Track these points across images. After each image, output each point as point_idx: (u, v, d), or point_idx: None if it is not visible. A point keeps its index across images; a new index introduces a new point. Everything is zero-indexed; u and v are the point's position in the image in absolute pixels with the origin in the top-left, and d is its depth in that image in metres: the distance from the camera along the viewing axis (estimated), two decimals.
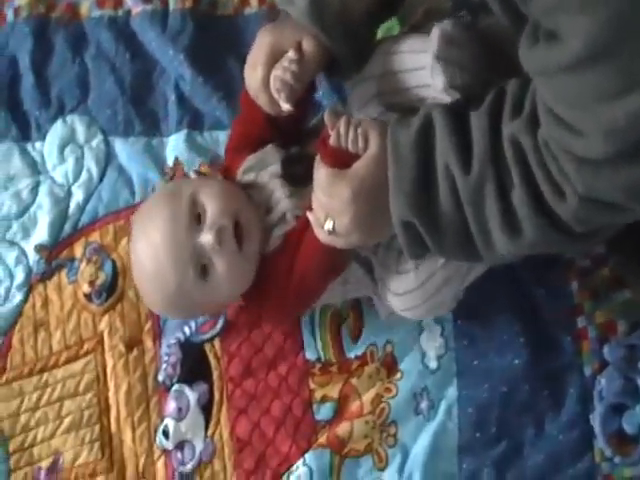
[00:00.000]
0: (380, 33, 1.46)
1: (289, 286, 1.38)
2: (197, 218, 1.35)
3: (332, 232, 1.24)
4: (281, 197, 1.38)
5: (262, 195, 1.40)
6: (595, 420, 1.39)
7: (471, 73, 1.28)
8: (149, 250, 1.38)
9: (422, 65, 1.30)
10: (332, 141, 1.22)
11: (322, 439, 1.49)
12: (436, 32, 1.28)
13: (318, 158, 1.25)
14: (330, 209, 1.23)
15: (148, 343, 1.61)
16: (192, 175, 1.54)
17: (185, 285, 1.36)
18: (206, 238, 1.34)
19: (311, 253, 1.35)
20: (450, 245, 1.17)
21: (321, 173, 1.23)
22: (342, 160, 1.21)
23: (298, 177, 1.38)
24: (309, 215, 1.28)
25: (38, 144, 1.76)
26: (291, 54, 1.29)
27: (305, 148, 1.41)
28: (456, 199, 1.12)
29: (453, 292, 1.39)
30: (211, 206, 1.35)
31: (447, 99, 1.25)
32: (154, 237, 1.36)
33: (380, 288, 1.39)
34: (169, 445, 1.56)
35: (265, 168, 1.41)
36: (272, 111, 1.33)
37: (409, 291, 1.36)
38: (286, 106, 1.29)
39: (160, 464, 1.56)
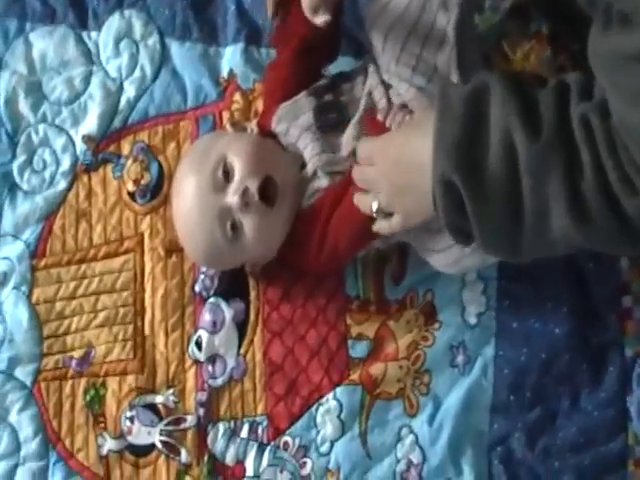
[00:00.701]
0: None
1: (321, 249, 1.09)
2: (226, 177, 1.08)
3: (378, 212, 0.97)
4: (312, 153, 1.08)
5: (295, 149, 1.11)
6: (632, 403, 1.09)
7: None
8: (182, 209, 1.13)
9: None
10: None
11: (355, 376, 1.16)
12: None
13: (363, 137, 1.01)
14: (372, 182, 0.97)
15: None
16: (228, 127, 1.17)
17: (216, 244, 1.10)
18: (232, 199, 1.07)
19: (347, 219, 1.06)
20: (493, 221, 0.81)
21: (363, 143, 1.00)
22: None
23: (331, 125, 1.09)
24: (355, 199, 1.01)
25: (94, 34, 1.33)
26: None
27: (337, 95, 1.10)
28: (513, 167, 0.78)
29: None
30: (239, 166, 1.08)
31: None
32: (185, 197, 1.11)
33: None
34: (201, 357, 1.21)
35: (297, 118, 1.10)
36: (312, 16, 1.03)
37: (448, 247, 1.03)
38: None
39: (190, 374, 1.21)
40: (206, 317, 1.20)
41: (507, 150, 0.79)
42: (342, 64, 1.18)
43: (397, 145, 0.94)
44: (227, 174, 1.08)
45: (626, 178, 0.75)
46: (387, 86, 1.08)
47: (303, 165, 1.10)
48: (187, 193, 1.11)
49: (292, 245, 1.11)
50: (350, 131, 1.08)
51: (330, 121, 1.09)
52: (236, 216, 1.08)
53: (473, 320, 1.14)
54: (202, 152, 1.13)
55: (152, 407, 1.20)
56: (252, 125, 1.17)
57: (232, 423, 1.18)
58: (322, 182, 1.09)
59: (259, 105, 1.23)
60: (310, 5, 1.04)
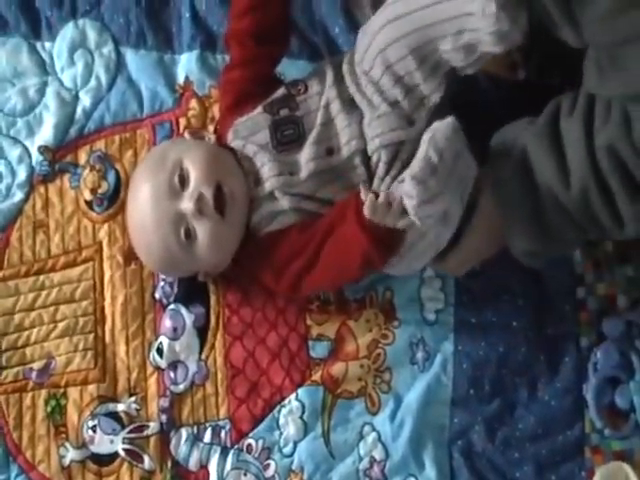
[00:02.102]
0: None
1: (302, 277, 1.12)
2: (182, 183, 1.11)
3: None
4: (270, 174, 1.11)
5: (251, 165, 1.13)
6: (588, 391, 1.14)
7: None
8: (137, 214, 1.15)
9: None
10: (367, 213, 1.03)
11: (316, 376, 1.20)
12: None
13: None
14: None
15: None
16: (186, 135, 1.21)
17: (170, 250, 1.12)
18: (186, 205, 1.10)
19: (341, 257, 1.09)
20: (573, 246, 1.09)
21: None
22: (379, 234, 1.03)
23: (288, 142, 1.11)
24: None
25: (48, 44, 1.36)
26: None
27: (293, 110, 1.12)
28: (569, 216, 0.97)
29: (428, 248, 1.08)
30: (194, 172, 1.10)
31: (494, 41, 0.95)
32: (141, 202, 1.14)
33: None
34: (162, 363, 1.24)
35: (253, 135, 1.13)
36: None
37: None
38: None
39: (152, 381, 1.24)
40: (167, 323, 1.23)
41: (556, 203, 0.96)
42: (297, 68, 1.22)
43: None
44: (183, 181, 1.11)
45: None
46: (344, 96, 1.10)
47: (258, 181, 1.12)
48: (143, 199, 1.13)
49: (263, 267, 1.14)
50: (308, 150, 1.10)
51: (286, 138, 1.11)
52: (190, 222, 1.10)
53: (432, 317, 1.18)
54: (159, 158, 1.15)
55: (114, 415, 1.23)
56: (210, 135, 1.20)
57: (195, 428, 1.21)
58: (283, 203, 1.11)
59: (215, 111, 1.27)
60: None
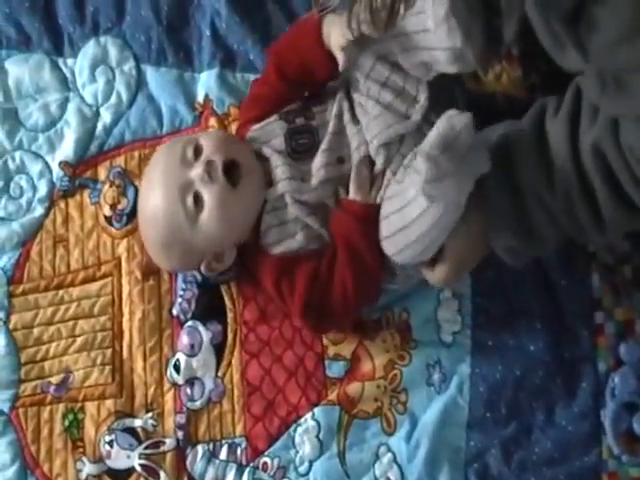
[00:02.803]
0: None
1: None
2: (196, 155, 1.13)
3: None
4: (282, 177, 1.13)
5: (266, 165, 1.15)
6: (606, 416, 1.13)
7: (475, 24, 0.98)
8: (148, 185, 1.18)
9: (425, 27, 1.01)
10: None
11: (332, 396, 1.20)
12: None
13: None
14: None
15: (165, 274, 1.27)
16: None
17: (176, 220, 1.13)
18: (196, 171, 1.11)
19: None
20: (552, 246, 1.04)
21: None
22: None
23: (303, 150, 1.14)
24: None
25: (70, 60, 1.37)
26: None
27: (309, 119, 1.15)
28: (550, 215, 0.98)
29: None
30: (206, 143, 1.13)
31: (449, 59, 1.00)
32: (153, 174, 1.17)
33: None
34: (179, 380, 1.24)
35: (269, 141, 1.16)
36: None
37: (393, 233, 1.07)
38: None
39: (169, 397, 1.25)
40: (184, 340, 1.24)
41: (540, 202, 0.96)
42: None
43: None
44: (197, 152, 1.13)
45: None
46: (353, 107, 1.13)
47: (271, 182, 1.14)
48: (156, 168, 1.17)
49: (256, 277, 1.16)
50: (320, 158, 1.12)
51: (302, 146, 1.14)
52: (199, 189, 1.11)
53: (448, 339, 1.18)
54: (175, 140, 1.21)
55: (131, 431, 1.24)
56: None
57: (211, 445, 1.21)
58: (291, 211, 1.12)
59: (234, 129, 1.28)
60: (339, 45, 1.09)
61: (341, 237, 1.11)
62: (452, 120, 0.96)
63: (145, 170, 1.23)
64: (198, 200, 1.12)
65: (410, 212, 1.02)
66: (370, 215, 1.08)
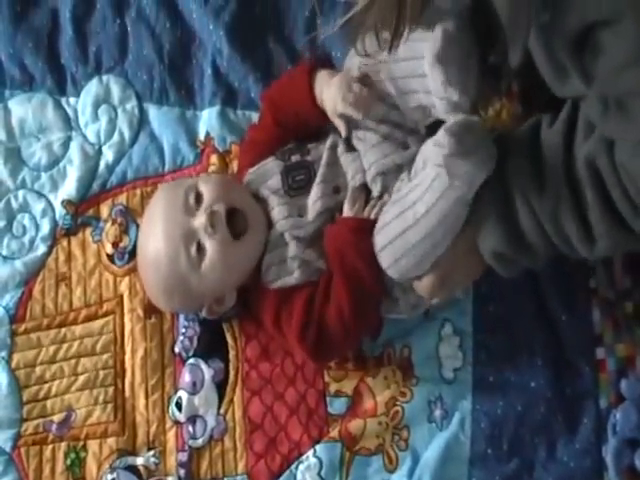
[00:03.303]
0: None
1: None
2: (197, 202, 1.15)
3: None
4: (279, 217, 1.15)
5: (265, 207, 1.17)
6: (607, 453, 1.12)
7: (470, 74, 1.02)
8: (149, 230, 1.19)
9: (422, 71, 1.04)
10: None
11: (334, 432, 1.20)
12: (438, 31, 1.00)
13: None
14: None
15: (167, 312, 1.28)
16: None
17: (178, 266, 1.14)
18: (199, 220, 1.13)
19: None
20: (541, 256, 1.03)
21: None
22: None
23: (299, 187, 1.16)
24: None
25: (72, 100, 1.39)
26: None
27: (304, 155, 1.18)
28: (537, 221, 0.98)
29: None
30: (208, 192, 1.15)
31: (445, 108, 1.02)
32: (155, 217, 1.18)
33: None
34: (181, 417, 1.25)
35: (265, 182, 1.18)
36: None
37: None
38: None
39: (171, 434, 1.25)
40: (186, 378, 1.24)
41: (530, 210, 0.97)
42: None
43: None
44: (198, 199, 1.15)
45: (633, 205, 0.90)
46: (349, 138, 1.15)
47: (270, 223, 1.16)
48: (157, 214, 1.17)
49: (268, 321, 1.17)
50: (315, 191, 1.14)
51: (298, 183, 1.16)
52: (202, 239, 1.13)
53: (450, 375, 1.19)
54: (175, 184, 1.22)
55: (133, 469, 1.24)
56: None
57: None
58: (291, 249, 1.14)
59: (236, 167, 1.29)
60: (335, 112, 1.12)
61: (335, 252, 1.11)
62: (466, 117, 1.00)
63: (145, 213, 1.24)
64: (201, 249, 1.13)
65: (412, 214, 1.03)
66: (364, 226, 1.09)
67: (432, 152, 1.00)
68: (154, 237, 1.17)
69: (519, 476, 1.14)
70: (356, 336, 1.16)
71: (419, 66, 1.03)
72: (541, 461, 1.14)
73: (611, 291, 1.15)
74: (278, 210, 1.15)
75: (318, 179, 1.15)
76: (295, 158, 1.17)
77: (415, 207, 1.03)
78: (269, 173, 1.18)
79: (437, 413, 1.18)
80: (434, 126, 1.08)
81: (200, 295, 1.17)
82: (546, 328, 1.16)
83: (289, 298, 1.14)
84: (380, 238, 1.08)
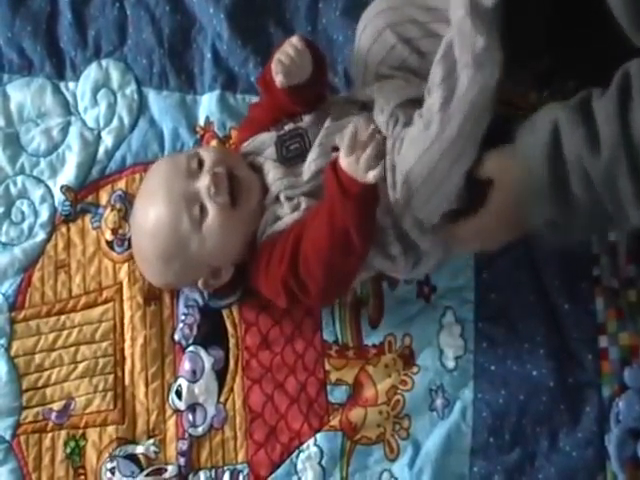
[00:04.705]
0: None
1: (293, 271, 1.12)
2: (200, 166, 1.15)
3: None
4: (275, 178, 1.15)
5: (260, 174, 1.17)
6: (610, 442, 1.12)
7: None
8: (148, 199, 1.19)
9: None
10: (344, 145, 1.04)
11: (334, 421, 1.20)
12: None
13: None
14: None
15: (166, 299, 1.28)
16: None
17: (179, 229, 1.15)
18: (202, 182, 1.13)
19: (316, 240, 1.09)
20: (589, 225, 1.00)
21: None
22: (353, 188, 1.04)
23: (293, 156, 1.16)
24: None
25: (71, 84, 1.39)
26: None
27: (297, 122, 1.17)
28: (590, 186, 0.95)
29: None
30: (209, 156, 1.16)
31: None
32: (154, 187, 1.18)
33: None
34: (181, 405, 1.25)
35: (261, 153, 1.18)
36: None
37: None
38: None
39: (171, 423, 1.25)
40: (186, 366, 1.25)
41: (582, 175, 0.94)
42: None
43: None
44: (200, 164, 1.15)
45: None
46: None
47: (266, 189, 1.16)
48: (156, 180, 1.18)
49: (261, 275, 1.15)
50: (313, 152, 1.13)
51: (292, 152, 1.16)
52: (204, 201, 1.13)
53: (451, 364, 1.19)
54: (173, 155, 1.24)
55: (133, 457, 1.24)
56: None
57: (213, 472, 1.22)
58: (284, 209, 1.14)
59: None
60: (274, 71, 1.12)
61: (330, 214, 1.07)
62: None
63: (142, 186, 1.23)
64: (203, 210, 1.14)
65: (436, 119, 1.02)
66: (366, 194, 1.05)
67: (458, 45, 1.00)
68: (154, 202, 1.16)
69: (521, 466, 1.15)
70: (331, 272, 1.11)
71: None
72: (543, 451, 1.14)
73: (615, 280, 1.14)
74: (273, 173, 1.15)
75: (317, 141, 1.14)
76: (288, 127, 1.17)
77: (432, 110, 1.02)
78: (264, 144, 1.18)
79: (438, 402, 1.18)
80: None
81: (198, 263, 1.17)
82: (548, 317, 1.16)
83: (276, 241, 1.13)
84: (404, 163, 1.06)
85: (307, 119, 1.16)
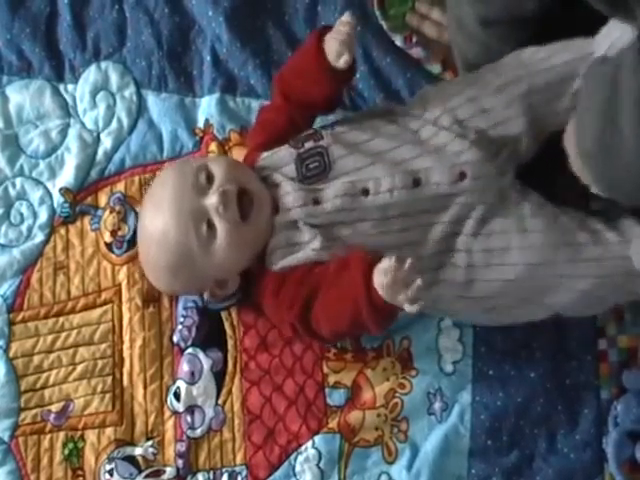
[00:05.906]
0: None
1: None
2: (209, 181, 1.14)
3: None
4: (294, 204, 1.13)
5: (274, 192, 1.15)
6: (608, 444, 1.13)
7: None
8: (156, 208, 1.16)
9: None
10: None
11: (333, 424, 1.21)
12: None
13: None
14: None
15: (165, 301, 1.29)
16: None
17: (187, 244, 1.13)
18: (210, 200, 1.12)
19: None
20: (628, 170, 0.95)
21: None
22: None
23: (313, 175, 1.14)
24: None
25: (70, 86, 1.40)
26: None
27: (317, 140, 1.16)
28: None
29: None
30: (219, 171, 1.14)
31: None
32: (162, 197, 1.15)
33: None
34: (180, 407, 1.26)
35: (279, 169, 1.16)
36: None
37: None
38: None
39: (169, 425, 1.26)
40: (184, 368, 1.25)
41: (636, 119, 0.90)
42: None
43: None
44: (209, 179, 1.13)
45: None
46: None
47: (277, 208, 1.14)
48: (165, 190, 1.15)
49: (267, 301, 1.16)
50: (337, 187, 1.11)
51: (312, 171, 1.14)
52: (212, 218, 1.12)
53: (449, 368, 1.19)
54: (181, 164, 1.21)
55: (131, 459, 1.25)
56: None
57: (211, 473, 1.23)
58: (304, 237, 1.12)
59: (235, 154, 1.30)
60: (334, 51, 1.13)
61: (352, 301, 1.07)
62: None
63: (149, 193, 1.21)
64: (211, 228, 1.13)
65: None
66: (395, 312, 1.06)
67: None
68: (162, 214, 1.14)
69: (519, 468, 1.15)
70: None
71: None
72: (541, 453, 1.15)
73: None
74: (293, 197, 1.12)
75: (344, 176, 1.12)
76: (308, 144, 1.15)
77: None
78: (283, 161, 1.16)
79: (436, 405, 1.19)
80: None
81: (205, 275, 1.17)
82: (548, 319, 1.16)
83: (288, 278, 1.13)
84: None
85: (327, 138, 1.15)
